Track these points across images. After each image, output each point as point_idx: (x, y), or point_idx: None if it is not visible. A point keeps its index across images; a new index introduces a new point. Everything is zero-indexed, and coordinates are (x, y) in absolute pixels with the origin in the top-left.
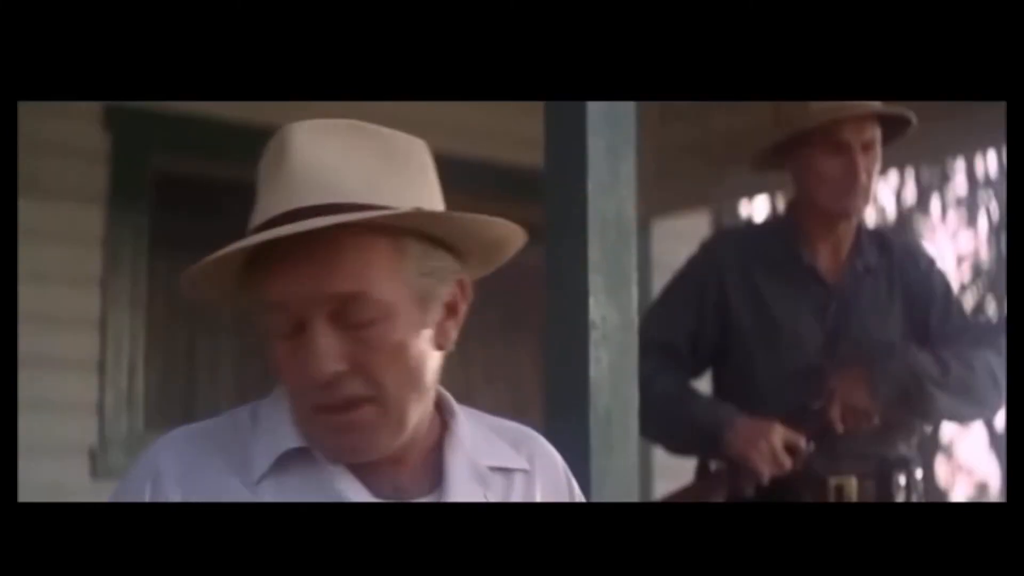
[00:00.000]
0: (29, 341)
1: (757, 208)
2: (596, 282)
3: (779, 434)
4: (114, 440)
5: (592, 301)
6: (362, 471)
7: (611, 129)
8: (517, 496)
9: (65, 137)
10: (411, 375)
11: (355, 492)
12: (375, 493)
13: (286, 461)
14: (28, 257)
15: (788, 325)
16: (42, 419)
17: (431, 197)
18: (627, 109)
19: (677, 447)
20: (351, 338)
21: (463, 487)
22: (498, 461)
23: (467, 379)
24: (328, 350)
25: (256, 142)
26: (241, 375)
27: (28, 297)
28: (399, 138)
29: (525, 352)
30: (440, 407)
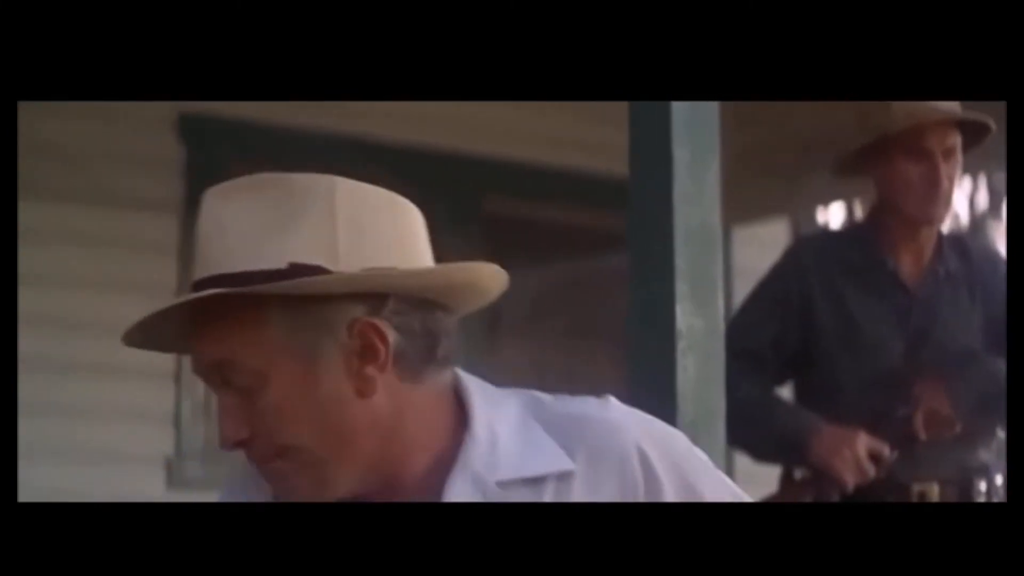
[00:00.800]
0: (106, 352)
1: (834, 214)
2: (683, 291)
3: (863, 442)
4: (190, 451)
5: (679, 310)
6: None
7: (695, 137)
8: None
9: (141, 147)
10: (317, 431)
11: None
12: None
13: None
14: (105, 267)
15: (872, 331)
16: (118, 429)
17: (321, 242)
18: (711, 116)
19: (761, 455)
20: (247, 403)
21: None
22: (525, 470)
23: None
24: (227, 417)
25: (329, 150)
26: None
27: (105, 307)
28: (297, 186)
29: (603, 356)
30: (463, 414)
